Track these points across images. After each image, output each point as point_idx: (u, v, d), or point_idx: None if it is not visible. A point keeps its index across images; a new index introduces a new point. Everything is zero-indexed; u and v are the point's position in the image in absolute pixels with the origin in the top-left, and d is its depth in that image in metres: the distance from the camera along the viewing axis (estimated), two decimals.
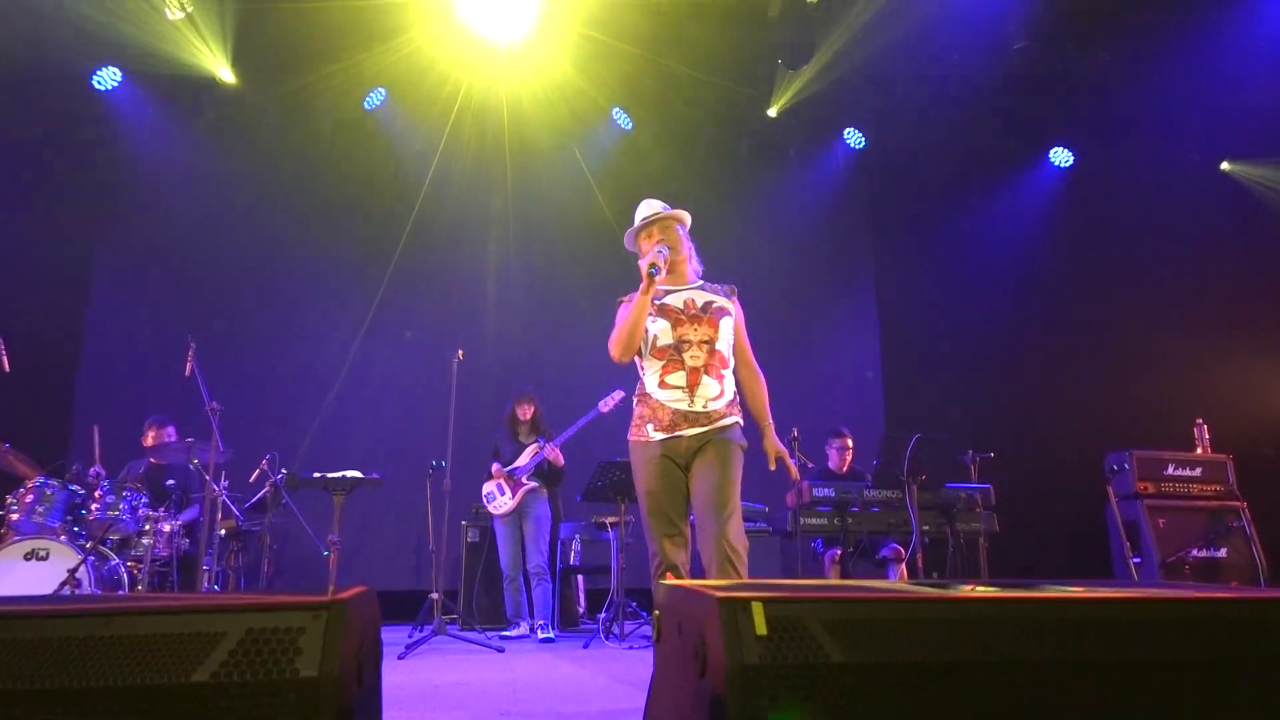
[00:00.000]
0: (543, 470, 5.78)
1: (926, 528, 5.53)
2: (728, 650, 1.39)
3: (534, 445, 5.80)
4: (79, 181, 7.28)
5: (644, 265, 3.02)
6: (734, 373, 3.23)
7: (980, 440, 6.09)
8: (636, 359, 3.21)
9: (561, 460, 5.77)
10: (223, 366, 6.58)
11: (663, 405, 3.07)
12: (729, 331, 3.16)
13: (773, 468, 3.23)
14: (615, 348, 3.10)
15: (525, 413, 5.91)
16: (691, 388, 3.05)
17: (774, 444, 3.23)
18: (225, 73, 7.43)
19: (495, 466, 5.81)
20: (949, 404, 8.04)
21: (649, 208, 3.29)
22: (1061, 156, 8.82)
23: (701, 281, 3.28)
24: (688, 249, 3.28)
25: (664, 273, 3.09)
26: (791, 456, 5.64)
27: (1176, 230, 7.91)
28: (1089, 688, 1.48)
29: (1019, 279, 8.48)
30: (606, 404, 5.61)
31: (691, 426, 3.03)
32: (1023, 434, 7.79)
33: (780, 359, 3.28)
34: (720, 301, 3.19)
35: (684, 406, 3.04)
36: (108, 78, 7.39)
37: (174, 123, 7.59)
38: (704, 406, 3.05)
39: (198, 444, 5.33)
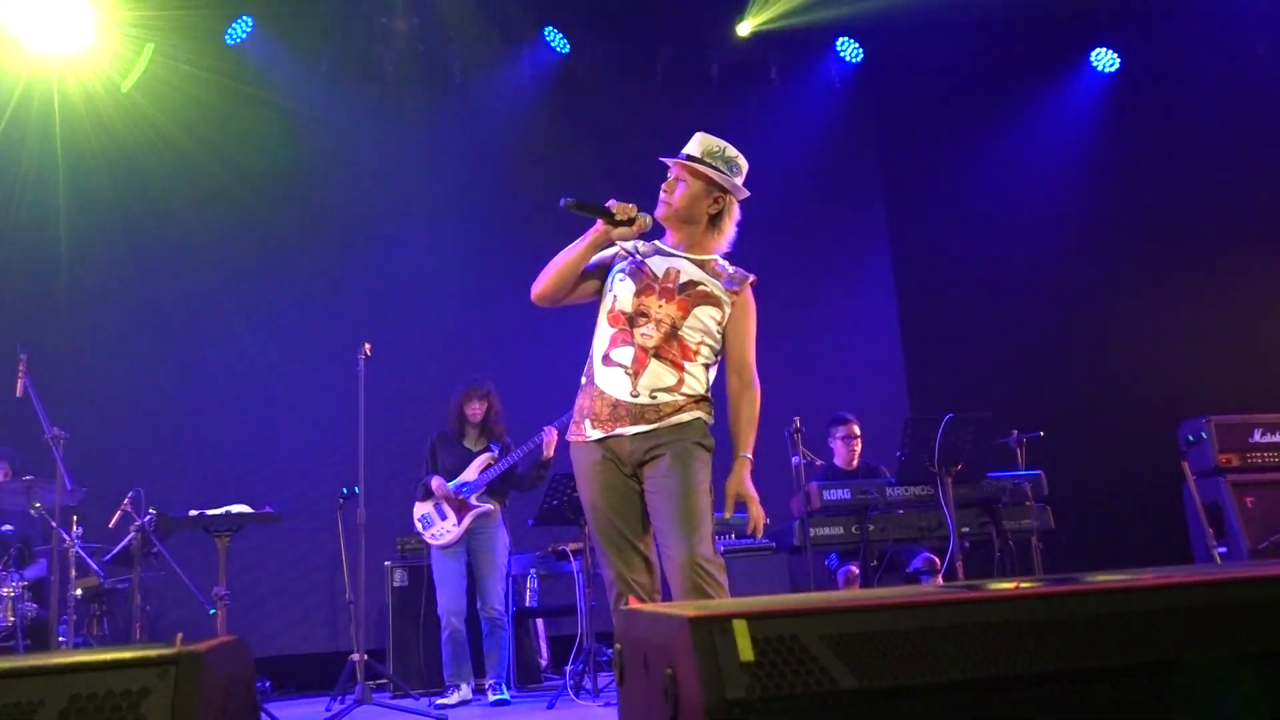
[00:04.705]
0: (495, 486, 5.67)
1: (966, 529, 5.55)
2: (704, 683, 1.36)
3: (485, 455, 5.67)
4: None
5: (614, 204, 3.05)
6: (722, 377, 3.17)
7: (1026, 417, 6.13)
8: (597, 316, 3.17)
9: (550, 452, 5.56)
10: (64, 383, 6.48)
11: (602, 393, 3.04)
12: (706, 324, 3.07)
13: (727, 515, 3.07)
14: (537, 281, 3.13)
15: (476, 411, 5.75)
16: (636, 371, 3.02)
17: (741, 483, 3.08)
18: None
19: (434, 481, 5.62)
20: (986, 374, 8.07)
21: (698, 144, 3.15)
22: (1106, 59, 8.85)
23: (713, 257, 3.18)
24: (726, 223, 3.17)
25: (635, 231, 3.07)
26: (794, 454, 5.74)
27: (1255, 145, 7.98)
28: (1179, 693, 1.46)
29: (1065, 215, 8.52)
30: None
31: (634, 423, 2.99)
32: (1077, 406, 7.86)
33: (773, 331, 3.23)
34: (712, 287, 3.10)
35: (624, 395, 3.00)
36: None
37: None
38: (650, 398, 3.00)
39: (38, 483, 5.28)
